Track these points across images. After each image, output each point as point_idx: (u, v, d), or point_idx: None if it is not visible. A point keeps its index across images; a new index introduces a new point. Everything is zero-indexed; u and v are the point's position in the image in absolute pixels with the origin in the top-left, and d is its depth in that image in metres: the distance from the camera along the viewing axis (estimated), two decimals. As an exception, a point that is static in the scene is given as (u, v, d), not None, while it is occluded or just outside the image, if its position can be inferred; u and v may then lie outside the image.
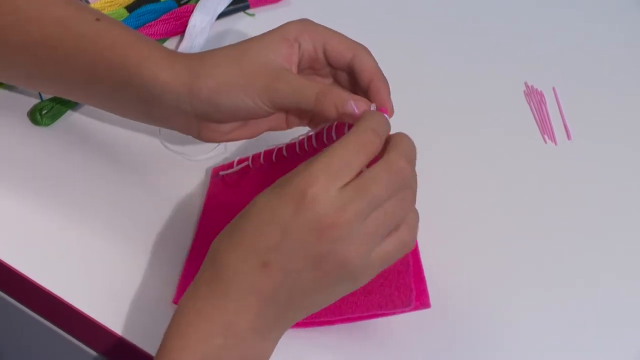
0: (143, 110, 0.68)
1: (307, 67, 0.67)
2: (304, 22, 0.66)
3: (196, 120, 0.66)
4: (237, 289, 0.55)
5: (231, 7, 0.91)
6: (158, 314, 0.65)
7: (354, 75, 0.65)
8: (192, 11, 0.88)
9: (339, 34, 0.66)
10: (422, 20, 0.95)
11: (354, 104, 0.60)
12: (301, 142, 0.66)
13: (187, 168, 0.77)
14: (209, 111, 0.64)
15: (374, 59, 0.66)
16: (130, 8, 0.87)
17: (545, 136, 0.86)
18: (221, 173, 0.73)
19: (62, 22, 0.67)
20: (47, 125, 0.77)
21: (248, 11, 0.92)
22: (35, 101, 0.78)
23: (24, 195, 0.73)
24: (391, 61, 0.86)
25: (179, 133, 0.69)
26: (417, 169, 0.75)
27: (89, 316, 0.67)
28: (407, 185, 0.56)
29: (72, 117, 0.78)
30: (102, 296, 0.68)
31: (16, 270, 0.69)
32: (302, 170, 0.54)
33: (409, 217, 0.57)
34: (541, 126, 0.87)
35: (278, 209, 0.54)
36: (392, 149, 0.55)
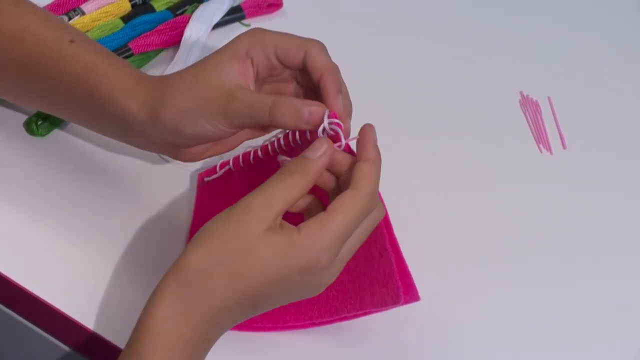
0: (120, 135, 0.69)
1: (267, 76, 0.66)
2: (252, 34, 0.65)
3: (167, 146, 0.67)
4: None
5: (227, 18, 0.91)
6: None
7: (308, 74, 0.65)
8: (188, 22, 0.88)
9: (289, 35, 0.65)
10: (419, 29, 0.96)
11: (309, 111, 0.60)
12: (272, 145, 0.66)
13: (181, 176, 0.77)
14: (175, 139, 0.65)
15: (325, 54, 0.64)
16: (125, 19, 0.87)
17: (541, 145, 0.86)
18: (206, 179, 0.73)
19: (42, 42, 0.67)
20: (43, 135, 0.77)
21: (244, 21, 0.92)
22: (31, 111, 0.78)
23: (19, 204, 0.73)
24: (386, 70, 0.86)
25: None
26: (412, 177, 0.75)
27: (81, 324, 0.67)
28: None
29: (68, 128, 0.78)
30: (95, 303, 0.68)
31: (9, 278, 0.68)
32: (316, 242, 0.56)
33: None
34: (537, 136, 0.87)
35: (289, 277, 0.57)
36: (366, 185, 0.57)
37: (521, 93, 0.91)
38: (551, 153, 0.86)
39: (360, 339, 0.69)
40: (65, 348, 0.70)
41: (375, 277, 0.65)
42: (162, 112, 0.64)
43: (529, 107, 0.90)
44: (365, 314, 0.68)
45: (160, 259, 0.70)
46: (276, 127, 0.63)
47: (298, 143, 0.63)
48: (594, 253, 0.78)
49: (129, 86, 0.65)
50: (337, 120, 0.60)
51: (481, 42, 0.96)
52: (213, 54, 0.65)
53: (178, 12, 0.90)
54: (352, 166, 0.59)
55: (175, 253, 0.70)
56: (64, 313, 0.67)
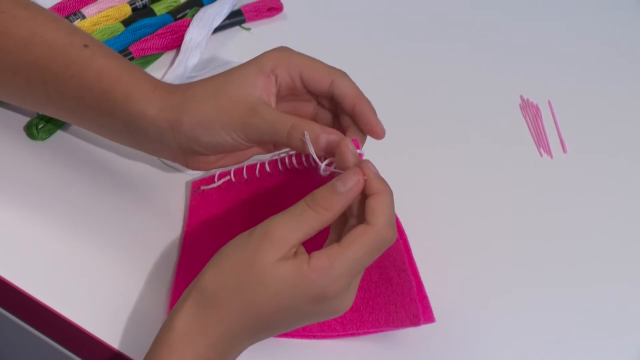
0: (132, 140, 0.69)
1: (288, 94, 0.67)
2: (280, 52, 0.66)
3: (181, 152, 0.67)
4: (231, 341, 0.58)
5: (227, 22, 0.91)
6: (147, 324, 0.66)
7: (335, 101, 0.66)
8: (188, 25, 0.88)
9: (316, 61, 0.66)
10: (419, 34, 0.96)
11: (327, 139, 0.60)
12: (282, 160, 0.66)
13: (180, 182, 0.77)
14: (192, 145, 0.65)
15: (352, 82, 0.66)
16: (126, 22, 0.87)
17: (541, 149, 0.86)
18: (202, 187, 0.73)
19: (51, 46, 0.67)
20: (43, 139, 0.77)
21: (244, 25, 0.92)
22: (31, 115, 0.78)
23: (19, 208, 0.73)
24: (386, 74, 0.86)
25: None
26: (411, 181, 0.75)
27: (79, 326, 0.67)
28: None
29: (68, 132, 0.78)
30: (91, 305, 0.68)
31: (10, 282, 0.68)
32: (324, 275, 0.56)
33: None
34: (537, 139, 0.87)
35: (300, 306, 0.57)
36: (378, 220, 0.56)
37: (522, 97, 0.91)
38: (552, 157, 0.86)
39: (366, 341, 0.69)
40: (63, 350, 0.71)
41: (391, 298, 0.66)
42: (182, 119, 0.64)
43: (530, 111, 0.90)
44: (376, 331, 0.68)
45: (163, 266, 0.71)
46: (292, 149, 0.63)
47: (312, 165, 0.63)
48: (595, 255, 0.79)
49: (146, 91, 0.66)
50: (360, 151, 0.61)
51: (482, 46, 0.96)
52: (238, 67, 0.66)
53: (178, 16, 0.90)
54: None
55: (171, 255, 0.71)
56: (60, 313, 0.67)
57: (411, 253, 0.66)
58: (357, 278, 0.58)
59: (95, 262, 0.70)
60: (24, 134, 0.77)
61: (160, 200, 0.75)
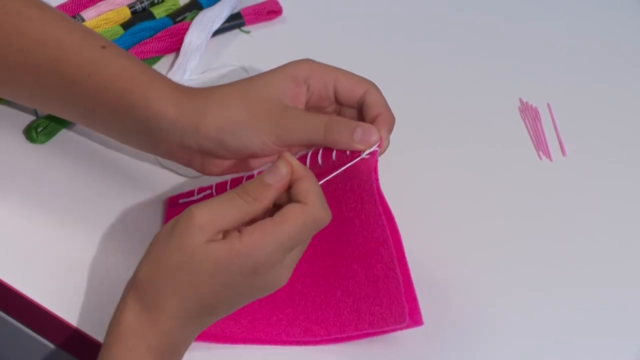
0: (147, 141, 0.68)
1: (313, 107, 0.67)
2: (311, 62, 0.66)
3: (200, 155, 0.67)
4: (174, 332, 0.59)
5: (227, 25, 0.91)
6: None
7: (362, 110, 0.66)
8: (188, 29, 0.88)
9: (347, 71, 0.67)
10: (418, 36, 0.96)
11: (362, 131, 0.62)
12: None
13: (180, 184, 0.77)
14: (216, 149, 0.65)
15: (382, 94, 0.66)
16: (125, 26, 0.87)
17: (540, 152, 0.87)
18: (181, 201, 0.73)
19: (66, 46, 0.67)
20: (42, 142, 0.77)
21: (244, 28, 0.92)
22: (31, 118, 0.78)
23: (17, 210, 0.73)
24: (385, 76, 0.86)
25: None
26: (410, 184, 0.75)
27: (63, 319, 0.68)
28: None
29: (67, 135, 0.78)
30: (77, 297, 0.69)
31: (10, 286, 0.68)
32: (257, 249, 0.56)
33: None
34: (536, 142, 0.87)
35: (237, 282, 0.57)
36: (313, 200, 0.57)
37: (521, 100, 0.91)
38: (551, 160, 0.86)
39: (357, 347, 0.69)
40: (50, 345, 0.71)
41: (377, 299, 0.65)
42: (207, 122, 0.64)
43: (529, 114, 0.90)
44: (362, 336, 0.67)
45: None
46: (329, 145, 0.63)
47: (318, 164, 0.63)
48: (594, 257, 0.79)
49: (166, 92, 0.66)
50: (377, 149, 0.62)
51: (481, 48, 0.96)
52: (264, 73, 0.66)
53: (178, 19, 0.90)
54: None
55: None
56: (49, 310, 0.68)
57: (403, 253, 0.65)
58: (291, 254, 0.58)
59: (89, 261, 0.71)
60: (23, 137, 0.77)
61: (157, 203, 0.75)
